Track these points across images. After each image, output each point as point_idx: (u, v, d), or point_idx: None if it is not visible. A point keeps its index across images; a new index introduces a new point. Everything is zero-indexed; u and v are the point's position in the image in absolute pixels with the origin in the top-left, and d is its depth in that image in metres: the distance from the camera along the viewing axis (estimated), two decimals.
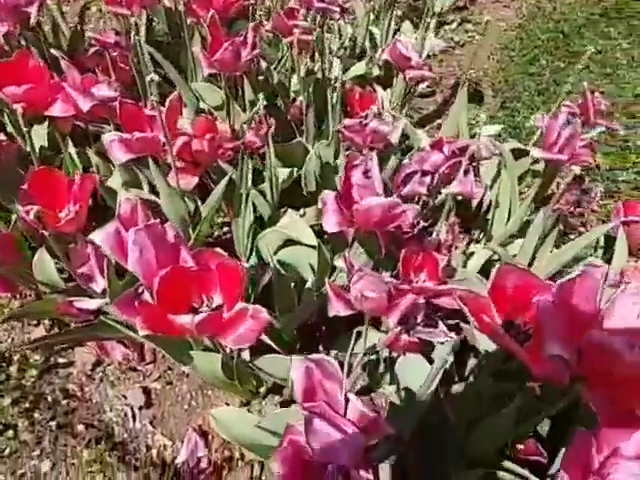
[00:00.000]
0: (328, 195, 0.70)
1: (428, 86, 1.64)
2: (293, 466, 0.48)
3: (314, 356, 0.54)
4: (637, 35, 1.72)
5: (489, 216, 1.02)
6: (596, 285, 0.52)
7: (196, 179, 0.95)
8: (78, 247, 0.85)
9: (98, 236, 0.63)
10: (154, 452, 1.01)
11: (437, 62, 1.80)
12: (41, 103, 0.93)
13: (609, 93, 1.54)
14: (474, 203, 1.04)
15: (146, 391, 1.07)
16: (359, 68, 1.33)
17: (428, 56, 1.82)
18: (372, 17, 1.58)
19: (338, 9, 1.13)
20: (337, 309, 0.67)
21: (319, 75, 1.19)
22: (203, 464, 1.00)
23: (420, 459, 0.69)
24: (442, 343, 0.68)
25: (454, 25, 1.99)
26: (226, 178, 0.87)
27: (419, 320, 0.72)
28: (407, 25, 1.83)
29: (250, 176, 0.91)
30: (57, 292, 0.90)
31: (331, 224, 0.69)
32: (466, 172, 0.78)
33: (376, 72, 1.37)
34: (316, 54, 1.30)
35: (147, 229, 0.56)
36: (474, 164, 0.80)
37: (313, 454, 0.47)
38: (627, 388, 0.47)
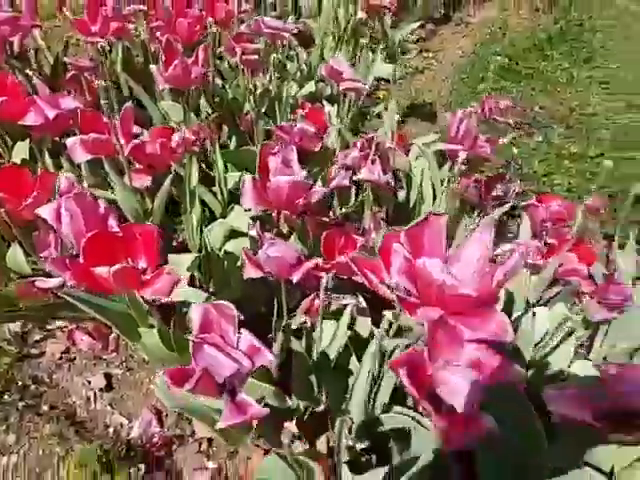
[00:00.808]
0: (247, 178, 0.82)
1: (386, 108, 1.79)
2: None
3: (214, 302, 0.65)
4: (577, 56, 1.87)
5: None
6: (440, 230, 0.63)
7: (149, 178, 1.07)
8: (41, 234, 0.96)
9: (44, 211, 0.75)
10: (111, 430, 1.10)
11: (396, 87, 1.95)
12: (17, 114, 1.07)
13: (548, 107, 1.67)
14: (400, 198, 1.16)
15: (108, 377, 1.17)
16: (310, 86, 1.48)
17: (387, 81, 1.98)
18: (332, 45, 1.75)
19: (287, 34, 1.28)
20: (249, 272, 0.78)
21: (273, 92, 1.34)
22: (155, 439, 1.09)
23: None
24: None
25: (414, 53, 2.15)
26: (170, 176, 0.99)
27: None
28: (365, 53, 2.00)
29: (195, 175, 1.04)
30: (23, 277, 1.02)
31: (248, 202, 0.80)
32: (373, 162, 0.90)
33: (328, 92, 1.51)
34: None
35: (76, 197, 0.68)
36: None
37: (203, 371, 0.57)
38: (450, 310, 0.57)
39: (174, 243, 1.29)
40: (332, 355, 0.85)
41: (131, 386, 1.16)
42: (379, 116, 1.76)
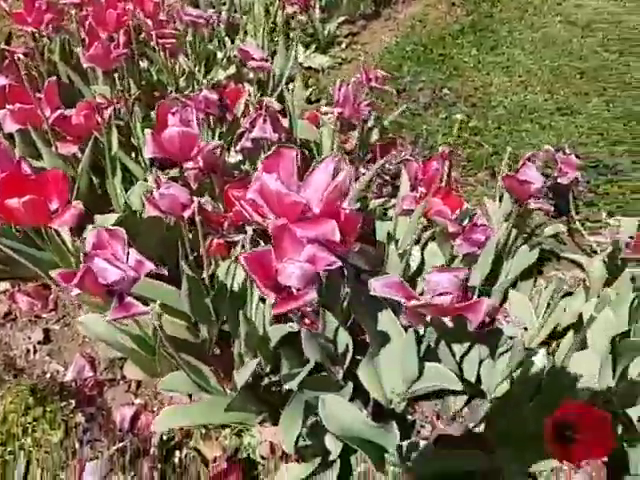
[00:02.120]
0: (147, 131, 0.96)
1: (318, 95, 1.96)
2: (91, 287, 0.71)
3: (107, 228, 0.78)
4: (484, 44, 2.07)
5: None
6: (292, 160, 0.78)
7: (76, 147, 1.20)
8: None
9: None
10: (47, 375, 1.22)
11: (325, 75, 2.12)
12: None
13: (455, 89, 1.86)
14: None
15: (47, 331, 1.29)
16: (231, 70, 1.63)
17: (317, 71, 2.15)
18: (264, 36, 1.91)
19: (204, 22, 1.43)
20: (150, 211, 0.92)
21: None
22: (87, 382, 1.21)
23: None
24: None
25: (344, 46, 2.33)
26: (91, 142, 1.13)
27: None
28: (285, 43, 2.16)
29: (115, 142, 1.17)
30: None
31: (148, 152, 0.94)
32: (264, 121, 1.05)
33: (251, 75, 1.66)
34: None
35: None
36: None
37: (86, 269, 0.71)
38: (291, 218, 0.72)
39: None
40: (229, 284, 0.99)
41: (68, 339, 1.29)
42: (309, 102, 1.93)
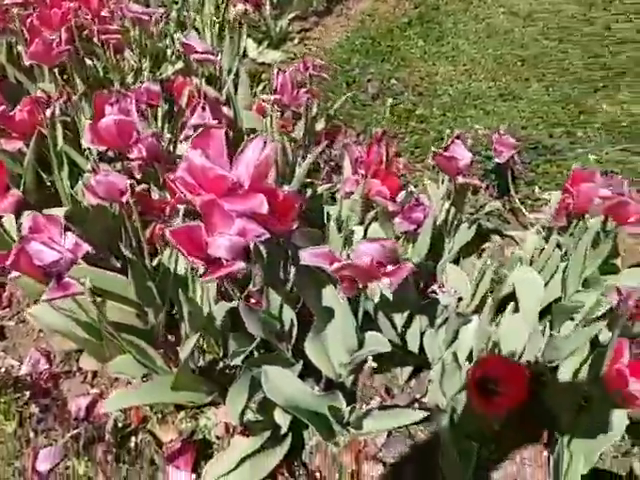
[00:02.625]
0: (86, 122, 0.98)
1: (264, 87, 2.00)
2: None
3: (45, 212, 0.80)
4: (431, 35, 2.13)
5: None
6: (221, 140, 0.81)
7: (21, 143, 1.22)
8: None
9: None
10: (2, 370, 1.23)
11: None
12: None
13: (404, 78, 1.92)
14: None
15: (1, 328, 1.30)
16: (179, 65, 1.66)
17: (269, 65, 2.19)
18: (215, 33, 1.94)
19: (148, 18, 1.45)
20: (90, 199, 0.94)
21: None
22: (43, 375, 1.23)
23: None
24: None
25: (296, 41, 2.37)
26: (34, 138, 1.14)
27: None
28: (250, 42, 2.21)
29: (60, 137, 1.19)
30: None
31: (86, 141, 0.96)
32: (203, 109, 1.08)
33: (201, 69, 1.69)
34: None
35: None
36: None
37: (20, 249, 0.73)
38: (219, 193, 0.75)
39: None
40: (172, 268, 1.02)
41: (23, 335, 1.29)
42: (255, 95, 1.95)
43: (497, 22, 2.19)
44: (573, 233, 1.03)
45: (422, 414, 0.86)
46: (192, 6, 2.17)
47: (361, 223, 1.24)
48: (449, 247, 1.29)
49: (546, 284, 1.03)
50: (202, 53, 1.35)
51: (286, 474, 1.05)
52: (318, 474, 1.07)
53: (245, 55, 2.20)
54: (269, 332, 1.00)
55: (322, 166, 1.41)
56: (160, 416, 1.16)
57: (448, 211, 1.26)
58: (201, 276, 0.69)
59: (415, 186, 1.59)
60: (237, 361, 0.95)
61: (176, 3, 2.23)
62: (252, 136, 0.86)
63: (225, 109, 1.36)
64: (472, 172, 1.07)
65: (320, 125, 1.45)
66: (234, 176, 0.76)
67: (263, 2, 2.25)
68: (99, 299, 1.12)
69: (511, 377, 0.76)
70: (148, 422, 1.15)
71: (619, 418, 0.87)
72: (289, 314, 1.04)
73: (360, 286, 0.83)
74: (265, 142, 0.83)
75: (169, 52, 1.75)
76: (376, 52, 2.05)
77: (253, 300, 1.07)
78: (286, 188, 0.93)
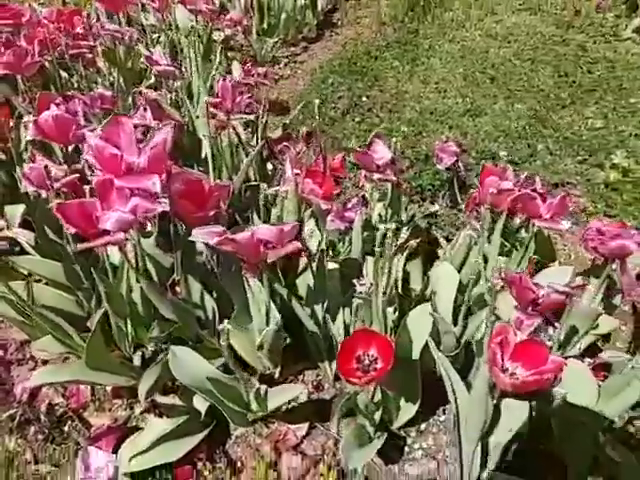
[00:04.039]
0: (31, 119, 1.06)
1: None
2: None
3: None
4: (406, 56, 2.20)
5: None
6: (130, 128, 0.88)
7: None
8: None
9: None
10: None
11: (265, 91, 2.26)
12: None
13: (375, 96, 1.98)
14: None
15: None
16: (152, 80, 1.76)
17: (252, 86, 2.28)
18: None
19: (121, 36, 1.57)
20: (27, 187, 1.01)
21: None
22: None
23: None
24: None
25: (282, 64, 2.48)
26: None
27: None
28: (236, 64, 2.32)
29: (24, 137, 1.29)
30: None
31: (29, 135, 1.05)
32: (145, 109, 1.16)
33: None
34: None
35: None
36: None
37: None
38: (116, 173, 0.81)
39: None
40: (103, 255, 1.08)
41: None
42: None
43: (473, 44, 2.25)
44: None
45: (302, 388, 0.88)
46: (183, 30, 2.31)
47: (300, 221, 1.28)
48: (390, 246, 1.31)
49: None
50: (162, 65, 1.44)
51: (205, 460, 1.08)
52: (239, 463, 1.09)
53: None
54: (186, 318, 1.04)
55: (275, 171, 1.47)
56: (98, 403, 1.21)
57: (386, 213, 1.29)
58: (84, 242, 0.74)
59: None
60: (151, 344, 0.99)
61: (170, 28, 2.37)
62: (162, 124, 0.93)
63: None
64: (396, 171, 1.10)
65: (277, 133, 1.51)
66: (120, 152, 0.82)
67: (249, 27, 2.38)
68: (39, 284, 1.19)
69: (381, 349, 0.78)
70: (86, 409, 1.20)
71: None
72: (210, 302, 1.09)
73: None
74: (172, 131, 0.89)
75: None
76: (351, 72, 2.13)
77: (178, 288, 1.12)
78: (205, 178, 0.99)
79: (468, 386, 0.87)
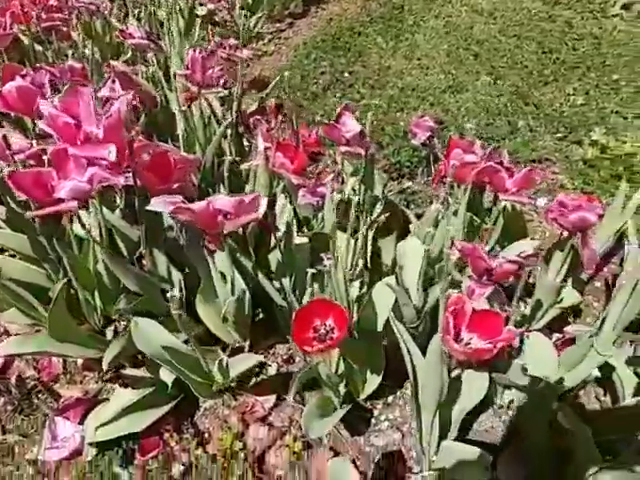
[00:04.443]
0: None
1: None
2: None
3: None
4: (390, 32, 2.18)
5: None
6: (89, 97, 0.87)
7: None
8: None
9: None
10: None
11: (245, 65, 2.23)
12: None
13: (357, 72, 1.96)
14: None
15: None
16: (128, 54, 1.74)
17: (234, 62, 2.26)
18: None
19: (95, 7, 1.54)
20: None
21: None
22: None
23: None
24: None
25: (267, 40, 2.45)
26: None
27: None
28: (217, 39, 2.29)
29: None
30: None
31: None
32: (114, 82, 1.14)
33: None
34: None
35: None
36: None
37: None
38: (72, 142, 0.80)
39: None
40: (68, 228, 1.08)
41: None
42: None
43: (458, 20, 2.22)
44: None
45: (258, 358, 0.89)
46: (165, 5, 2.27)
47: (274, 196, 1.28)
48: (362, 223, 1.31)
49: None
50: (136, 38, 1.42)
51: (172, 431, 1.09)
52: (207, 434, 1.10)
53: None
54: (151, 291, 1.04)
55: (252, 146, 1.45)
56: (69, 376, 1.22)
57: (360, 188, 1.28)
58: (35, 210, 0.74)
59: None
60: (116, 315, 1.00)
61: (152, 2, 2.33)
62: (120, 95, 0.92)
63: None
64: (365, 144, 1.09)
65: (253, 107, 1.50)
66: (92, 128, 0.81)
67: (233, 1, 2.34)
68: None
69: (337, 320, 0.78)
70: (58, 381, 1.21)
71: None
72: (177, 275, 1.08)
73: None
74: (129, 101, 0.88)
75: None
76: (335, 48, 2.10)
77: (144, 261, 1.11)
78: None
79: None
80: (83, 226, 0.88)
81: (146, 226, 1.03)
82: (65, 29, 1.58)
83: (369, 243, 1.08)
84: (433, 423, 0.90)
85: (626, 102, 1.73)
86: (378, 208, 1.27)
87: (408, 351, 0.85)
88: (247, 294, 1.04)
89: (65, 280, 0.92)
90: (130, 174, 0.88)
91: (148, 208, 0.82)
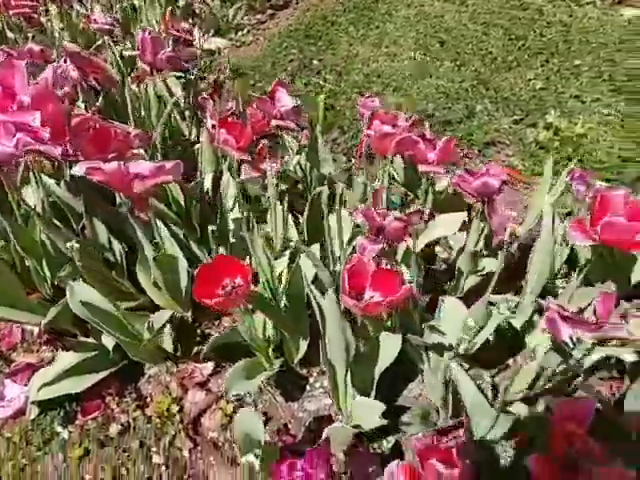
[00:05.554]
0: None
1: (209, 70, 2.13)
2: None
3: None
4: (361, 21, 2.21)
5: None
6: (22, 69, 0.92)
7: None
8: None
9: None
10: None
11: (220, 56, 2.29)
12: None
13: (326, 59, 2.00)
14: None
15: None
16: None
17: (213, 52, 2.32)
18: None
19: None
20: None
21: None
22: None
23: None
24: None
25: (246, 31, 2.49)
26: None
27: None
28: (196, 29, 2.35)
29: None
30: None
31: None
32: (65, 61, 1.20)
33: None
34: None
35: None
36: None
37: None
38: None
39: None
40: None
41: None
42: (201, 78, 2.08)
43: (429, 9, 2.25)
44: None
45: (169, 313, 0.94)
46: None
47: (221, 172, 1.32)
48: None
49: None
50: (99, 23, 1.48)
51: (114, 395, 1.14)
52: (149, 399, 1.15)
53: (192, 42, 2.35)
54: (91, 260, 1.09)
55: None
56: (27, 345, 1.27)
57: (305, 166, 1.33)
58: None
59: None
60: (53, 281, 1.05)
61: None
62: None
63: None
64: (298, 119, 1.13)
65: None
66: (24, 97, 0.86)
67: None
68: None
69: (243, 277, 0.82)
70: (16, 350, 1.27)
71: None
72: (117, 245, 1.13)
73: None
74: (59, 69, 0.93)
75: None
76: (307, 36, 2.15)
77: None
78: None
79: None
80: (23, 200, 0.93)
81: (85, 196, 1.09)
82: (35, 16, 1.65)
83: (305, 216, 1.12)
84: (346, 381, 0.94)
85: (586, 87, 1.75)
86: (324, 184, 1.31)
87: (318, 307, 0.89)
88: (182, 263, 1.09)
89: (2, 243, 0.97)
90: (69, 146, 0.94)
91: (72, 172, 0.88)
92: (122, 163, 0.82)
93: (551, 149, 1.51)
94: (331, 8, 2.36)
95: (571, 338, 0.65)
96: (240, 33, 2.48)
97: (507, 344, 1.03)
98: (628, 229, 0.83)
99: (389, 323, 1.00)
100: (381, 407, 0.88)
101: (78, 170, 0.85)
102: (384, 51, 2.01)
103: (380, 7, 2.31)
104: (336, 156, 1.58)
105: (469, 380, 0.77)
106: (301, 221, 1.18)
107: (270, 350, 1.06)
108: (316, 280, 1.05)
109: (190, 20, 2.41)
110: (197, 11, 2.51)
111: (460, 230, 1.15)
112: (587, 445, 0.63)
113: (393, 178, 1.32)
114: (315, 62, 2.00)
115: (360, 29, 2.16)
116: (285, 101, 1.12)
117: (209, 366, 1.17)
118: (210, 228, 1.14)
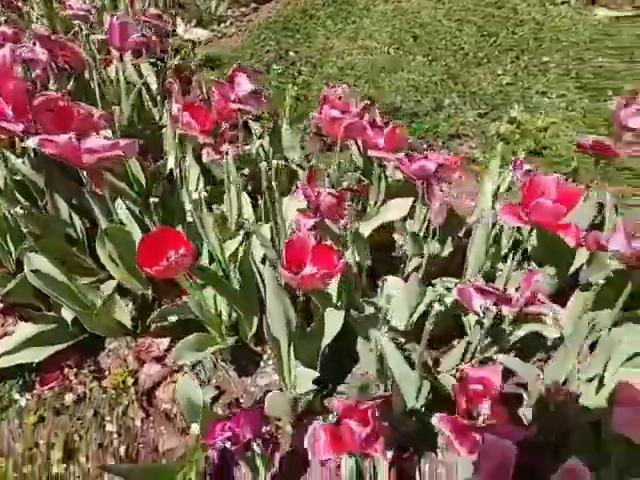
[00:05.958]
0: None
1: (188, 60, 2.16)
2: None
3: None
4: (340, 15, 2.25)
5: None
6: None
7: None
8: None
9: None
10: None
11: (202, 47, 2.33)
12: None
13: (301, 51, 2.04)
14: None
15: None
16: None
17: (195, 43, 2.36)
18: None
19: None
20: None
21: None
22: None
23: None
24: None
25: (229, 23, 2.53)
26: None
27: None
28: (179, 20, 2.39)
29: None
30: None
31: None
32: (34, 43, 1.23)
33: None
34: None
35: None
36: None
37: None
38: None
39: None
40: None
41: None
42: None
43: (407, 5, 2.29)
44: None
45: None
46: None
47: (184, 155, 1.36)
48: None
49: None
50: (74, 9, 1.52)
51: (73, 366, 1.18)
52: (107, 371, 1.19)
53: (175, 32, 2.39)
54: (51, 235, 1.12)
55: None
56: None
57: (269, 150, 1.37)
58: None
59: None
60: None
61: None
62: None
63: None
64: (258, 104, 1.17)
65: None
66: None
67: None
68: None
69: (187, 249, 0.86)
70: None
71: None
72: (78, 221, 1.17)
73: None
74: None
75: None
76: (285, 29, 2.19)
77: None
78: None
79: None
80: None
81: (47, 172, 1.12)
82: (14, 1, 1.68)
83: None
84: (290, 355, 0.98)
85: (552, 83, 1.80)
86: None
87: (262, 282, 0.93)
88: (137, 236, 1.12)
89: None
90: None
91: (24, 145, 0.91)
92: (73, 135, 0.86)
93: (512, 142, 1.55)
94: (311, 2, 2.40)
95: (481, 307, 0.69)
96: (223, 25, 2.52)
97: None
98: (555, 211, 0.87)
99: (338, 303, 1.04)
100: (314, 374, 0.92)
101: (32, 142, 0.89)
102: (359, 45, 2.06)
103: (359, 2, 2.35)
104: (304, 144, 1.62)
105: (395, 350, 0.81)
106: (259, 203, 1.22)
107: (223, 326, 1.10)
108: (267, 259, 1.09)
109: (172, 10, 2.46)
110: (181, 1, 2.55)
111: None
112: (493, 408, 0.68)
113: (356, 166, 1.37)
114: (291, 54, 2.04)
115: (338, 23, 2.20)
116: (244, 86, 1.15)
117: (165, 341, 1.21)
118: (152, 200, 1.17)
